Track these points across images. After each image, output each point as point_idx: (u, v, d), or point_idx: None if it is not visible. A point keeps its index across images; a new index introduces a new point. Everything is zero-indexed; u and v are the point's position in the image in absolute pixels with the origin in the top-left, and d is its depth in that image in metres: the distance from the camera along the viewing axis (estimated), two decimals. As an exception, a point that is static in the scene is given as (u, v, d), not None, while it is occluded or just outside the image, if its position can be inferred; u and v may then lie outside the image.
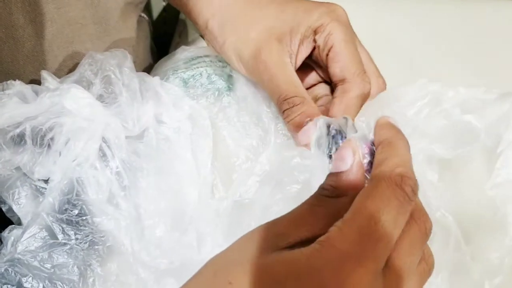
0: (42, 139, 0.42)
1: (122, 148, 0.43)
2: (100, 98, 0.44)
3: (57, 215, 0.40)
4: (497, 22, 0.62)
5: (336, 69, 0.45)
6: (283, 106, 0.45)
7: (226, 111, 0.50)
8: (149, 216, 0.42)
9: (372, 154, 0.36)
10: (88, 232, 0.40)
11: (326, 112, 0.46)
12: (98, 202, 0.41)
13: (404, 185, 0.31)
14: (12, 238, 0.42)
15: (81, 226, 0.40)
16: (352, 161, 0.33)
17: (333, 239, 0.29)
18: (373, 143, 0.36)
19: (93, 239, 0.40)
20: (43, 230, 0.41)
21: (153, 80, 0.48)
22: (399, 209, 0.30)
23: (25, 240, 0.41)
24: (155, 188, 0.43)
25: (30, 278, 0.40)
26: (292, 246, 0.30)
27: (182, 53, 0.53)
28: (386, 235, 0.29)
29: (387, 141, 0.35)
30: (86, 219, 0.40)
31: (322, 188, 0.33)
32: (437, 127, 0.45)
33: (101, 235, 0.40)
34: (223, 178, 0.48)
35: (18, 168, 0.43)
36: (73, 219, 0.40)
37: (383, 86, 0.47)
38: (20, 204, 0.43)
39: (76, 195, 0.41)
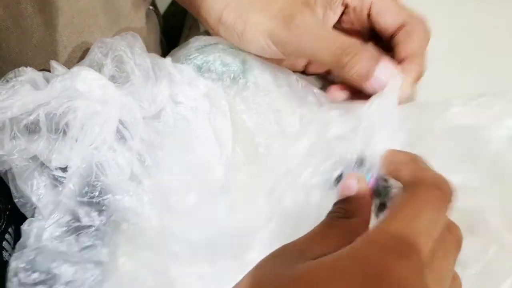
0: (57, 125, 0.40)
1: (140, 128, 0.41)
2: (112, 79, 0.43)
3: (78, 198, 0.39)
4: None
5: (388, 20, 0.44)
6: (343, 59, 0.41)
7: (243, 94, 0.49)
8: (175, 190, 0.40)
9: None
10: (111, 212, 0.39)
11: None
12: (119, 182, 0.40)
13: (442, 187, 0.32)
14: (35, 230, 0.41)
15: (103, 206, 0.39)
16: (357, 188, 0.35)
17: (374, 234, 0.30)
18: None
19: (118, 218, 0.39)
20: (66, 215, 0.40)
21: (165, 61, 0.46)
22: (439, 209, 0.31)
23: (49, 227, 0.40)
24: (178, 164, 0.41)
25: (59, 263, 0.39)
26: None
27: (195, 42, 0.52)
28: (426, 231, 0.30)
29: (407, 160, 0.36)
30: (108, 199, 0.39)
31: (333, 211, 0.34)
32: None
33: (125, 213, 0.39)
34: (246, 160, 0.47)
35: (34, 158, 0.42)
36: (95, 201, 0.39)
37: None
38: (39, 194, 0.42)
39: (95, 177, 0.39)
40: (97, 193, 0.40)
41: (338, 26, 0.47)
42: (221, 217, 0.41)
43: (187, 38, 0.60)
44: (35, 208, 0.42)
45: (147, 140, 0.42)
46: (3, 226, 0.43)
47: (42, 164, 0.42)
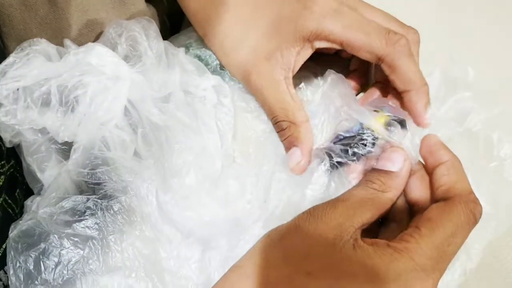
0: (67, 98, 0.41)
1: (148, 107, 0.42)
2: (125, 59, 0.43)
3: (79, 170, 0.39)
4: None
5: (366, 56, 0.43)
6: (276, 128, 0.45)
7: (241, 90, 0.49)
8: (176, 169, 0.40)
9: None
10: (109, 186, 0.39)
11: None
12: (121, 159, 0.40)
13: (476, 212, 0.34)
14: (35, 204, 0.41)
15: (101, 179, 0.39)
16: (402, 165, 0.37)
17: (412, 251, 0.32)
18: None
19: (114, 192, 0.39)
20: (64, 187, 0.40)
21: (178, 50, 0.47)
22: (468, 234, 0.34)
23: (46, 199, 0.40)
24: (181, 144, 0.41)
25: (53, 235, 0.38)
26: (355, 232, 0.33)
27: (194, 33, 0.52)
28: (454, 255, 0.33)
29: (450, 162, 0.38)
30: (106, 171, 0.39)
31: (369, 181, 0.37)
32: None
33: (123, 187, 0.39)
34: (242, 151, 0.47)
35: (43, 132, 0.42)
36: (93, 173, 0.39)
37: (417, 37, 0.45)
38: (44, 169, 0.42)
39: (99, 149, 0.40)
40: (96, 166, 0.40)
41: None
42: (215, 206, 0.41)
43: (189, 24, 0.60)
44: (42, 185, 0.43)
45: (154, 120, 0.42)
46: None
47: (50, 140, 0.43)
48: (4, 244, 0.41)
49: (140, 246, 0.40)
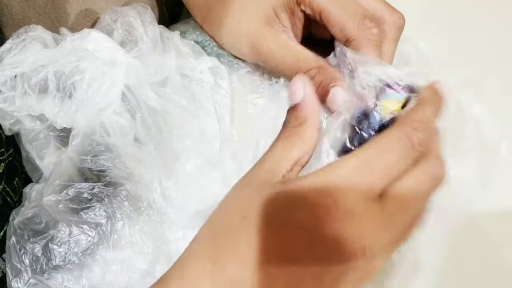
0: (64, 84, 0.41)
1: (145, 92, 0.42)
2: (121, 44, 0.43)
3: (81, 157, 0.39)
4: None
5: (337, 33, 0.43)
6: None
7: (239, 72, 0.50)
8: (176, 154, 0.41)
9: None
10: (114, 173, 0.39)
11: None
12: (122, 145, 0.40)
13: (413, 136, 0.33)
14: (34, 192, 0.42)
15: (105, 166, 0.39)
16: (303, 92, 0.35)
17: (334, 166, 0.32)
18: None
19: (119, 179, 0.39)
20: (67, 175, 0.40)
21: (173, 34, 0.47)
22: (401, 154, 0.32)
23: (50, 186, 0.40)
24: (180, 128, 0.42)
25: (57, 223, 0.39)
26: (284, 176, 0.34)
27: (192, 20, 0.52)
28: (384, 170, 0.32)
29: (423, 98, 0.37)
30: (110, 158, 0.39)
31: (287, 121, 0.36)
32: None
33: (127, 174, 0.39)
34: (239, 134, 0.48)
35: (41, 120, 0.42)
36: (97, 160, 0.39)
37: (401, 21, 0.45)
38: (42, 156, 0.42)
39: (100, 136, 0.40)
40: (99, 153, 0.40)
41: (316, 29, 0.48)
42: (215, 187, 0.42)
43: (188, 14, 0.61)
44: (41, 173, 0.43)
45: (151, 104, 0.42)
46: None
47: (48, 127, 0.43)
48: (2, 232, 0.42)
49: (148, 231, 0.40)
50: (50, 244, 0.39)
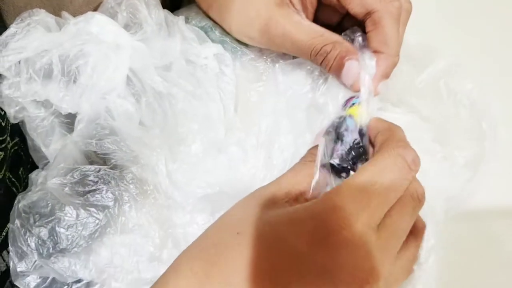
0: (69, 68, 0.40)
1: (150, 75, 0.41)
2: (125, 28, 0.43)
3: (86, 141, 0.39)
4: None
5: (355, 8, 0.43)
6: (318, 59, 0.43)
7: (242, 59, 0.50)
8: (181, 137, 0.40)
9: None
10: (119, 156, 0.39)
11: None
12: (127, 128, 0.39)
13: (406, 155, 0.34)
14: (41, 178, 0.41)
15: (110, 149, 0.39)
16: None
17: (331, 194, 0.32)
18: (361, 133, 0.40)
19: (125, 162, 0.39)
20: (73, 158, 0.39)
21: (177, 19, 0.47)
22: (398, 175, 0.33)
23: (55, 170, 0.39)
24: (186, 112, 0.41)
25: (63, 206, 0.38)
26: (289, 201, 0.34)
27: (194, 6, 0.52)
28: (381, 194, 0.32)
29: (384, 128, 0.39)
30: (115, 141, 0.39)
31: (304, 156, 0.38)
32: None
33: (133, 157, 0.38)
34: (242, 121, 0.48)
35: (46, 107, 0.42)
36: (103, 143, 0.39)
37: (409, 5, 0.44)
38: (48, 143, 0.42)
39: (105, 119, 0.39)
40: (104, 136, 0.39)
41: (322, 14, 0.47)
42: (220, 172, 0.42)
43: (189, 2, 0.60)
44: (48, 161, 0.43)
45: (157, 88, 0.41)
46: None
47: (53, 113, 0.43)
48: (9, 224, 0.41)
49: (154, 214, 0.40)
50: (57, 227, 0.38)
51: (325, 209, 0.31)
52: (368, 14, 0.42)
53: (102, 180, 0.39)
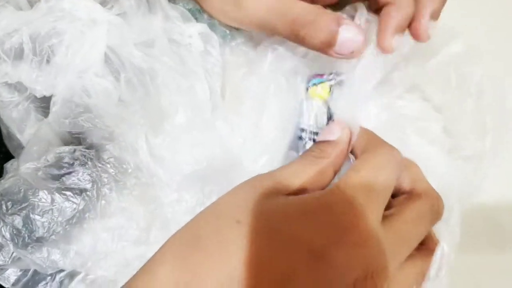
0: (41, 46, 0.38)
1: (130, 50, 0.39)
2: (101, 4, 0.40)
3: (61, 120, 0.36)
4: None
5: None
6: (300, 32, 0.37)
7: (231, 44, 0.47)
8: (164, 111, 0.38)
9: None
10: (94, 133, 0.36)
11: None
12: (105, 105, 0.37)
13: (396, 152, 0.35)
14: (15, 164, 0.38)
15: (84, 128, 0.36)
16: (339, 135, 0.36)
17: (341, 184, 0.32)
18: None
19: (101, 140, 0.36)
20: (47, 141, 0.37)
21: None
22: (394, 166, 0.34)
23: (27, 154, 0.37)
24: (168, 85, 0.38)
25: (36, 191, 0.35)
26: (289, 195, 0.33)
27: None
28: (386, 189, 0.33)
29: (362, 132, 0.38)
30: (89, 118, 0.36)
31: (311, 149, 0.36)
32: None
33: (108, 133, 0.36)
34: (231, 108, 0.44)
35: (19, 91, 0.40)
36: (76, 121, 0.36)
37: None
38: (23, 129, 0.40)
39: (80, 98, 0.37)
40: (78, 115, 0.37)
41: None
42: (209, 144, 0.39)
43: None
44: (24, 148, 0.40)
45: (137, 63, 0.39)
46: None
47: (28, 98, 0.40)
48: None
49: (137, 194, 0.37)
50: (31, 215, 0.36)
51: (337, 201, 0.31)
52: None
53: (78, 162, 0.36)
